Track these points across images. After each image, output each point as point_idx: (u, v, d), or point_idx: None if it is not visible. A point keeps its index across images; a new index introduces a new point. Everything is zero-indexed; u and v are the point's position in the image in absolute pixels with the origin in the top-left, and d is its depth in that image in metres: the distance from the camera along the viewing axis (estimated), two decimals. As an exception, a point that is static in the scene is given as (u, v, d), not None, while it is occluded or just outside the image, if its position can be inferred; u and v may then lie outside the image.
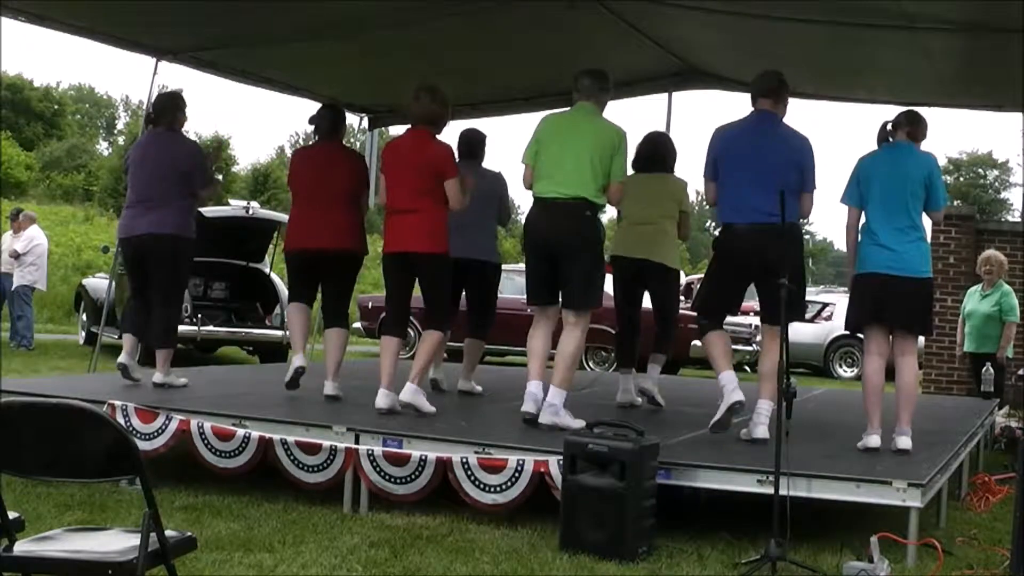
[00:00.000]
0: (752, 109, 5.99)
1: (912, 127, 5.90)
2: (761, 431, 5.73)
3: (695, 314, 6.26)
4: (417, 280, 6.40)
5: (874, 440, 5.67)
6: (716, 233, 6.35)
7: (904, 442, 5.65)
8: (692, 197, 7.84)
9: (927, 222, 5.97)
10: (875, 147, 5.97)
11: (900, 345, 5.85)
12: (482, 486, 5.16)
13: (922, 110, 6.14)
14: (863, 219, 5.87)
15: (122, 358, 6.95)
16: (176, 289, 7.11)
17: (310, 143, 7.20)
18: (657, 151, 7.16)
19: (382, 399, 6.17)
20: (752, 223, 5.71)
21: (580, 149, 5.95)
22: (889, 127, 5.95)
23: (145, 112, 7.51)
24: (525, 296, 6.25)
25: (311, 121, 7.06)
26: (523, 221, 6.39)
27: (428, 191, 6.21)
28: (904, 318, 5.80)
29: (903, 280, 5.69)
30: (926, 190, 5.76)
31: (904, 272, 5.69)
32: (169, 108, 7.06)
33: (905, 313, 5.77)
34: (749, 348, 15.32)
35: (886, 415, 5.82)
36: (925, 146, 5.98)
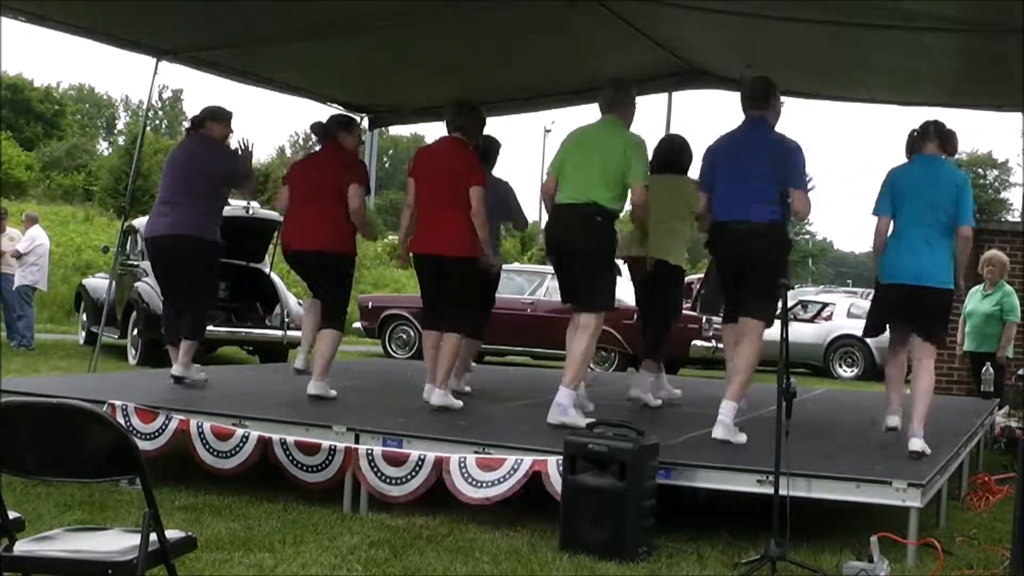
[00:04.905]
0: (744, 117, 6.18)
1: (943, 140, 6.02)
2: (719, 431, 5.73)
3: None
4: (447, 282, 6.56)
5: (894, 420, 5.84)
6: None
7: (917, 444, 5.66)
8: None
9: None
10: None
11: (918, 351, 6.01)
12: (474, 482, 5.15)
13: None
14: (891, 228, 6.00)
15: (176, 369, 7.06)
16: (200, 287, 7.22)
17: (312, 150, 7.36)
18: (672, 153, 7.27)
19: (437, 398, 6.43)
20: (739, 220, 5.90)
21: (594, 157, 6.16)
22: (916, 135, 6.06)
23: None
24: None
25: (313, 129, 7.22)
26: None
27: (459, 196, 6.45)
28: (924, 326, 5.95)
29: (926, 290, 5.83)
30: (955, 205, 5.87)
31: (928, 283, 5.83)
32: (201, 116, 7.28)
33: (925, 321, 5.93)
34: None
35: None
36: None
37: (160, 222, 7.06)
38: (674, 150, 7.30)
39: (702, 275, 11.98)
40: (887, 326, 6.19)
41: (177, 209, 6.97)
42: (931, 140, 5.99)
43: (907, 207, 5.90)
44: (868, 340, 17.71)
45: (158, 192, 7.25)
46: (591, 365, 14.54)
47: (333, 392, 6.79)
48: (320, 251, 6.77)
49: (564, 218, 6.21)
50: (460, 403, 6.56)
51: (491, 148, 7.40)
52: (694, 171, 7.37)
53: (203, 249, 7.04)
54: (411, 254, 6.82)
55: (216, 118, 7.22)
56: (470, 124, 6.72)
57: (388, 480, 5.30)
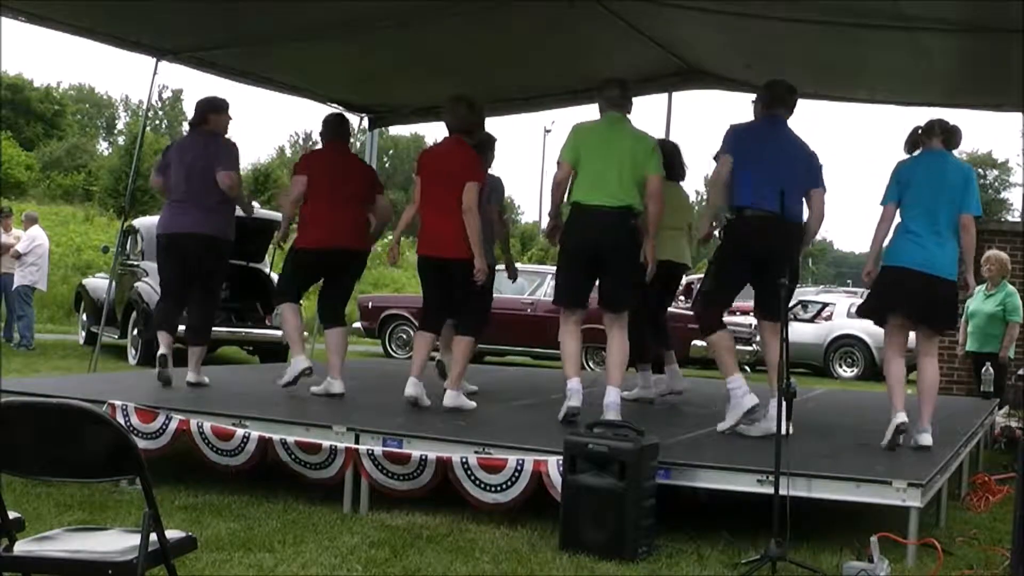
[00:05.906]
0: (764, 113, 6.27)
1: (947, 135, 6.07)
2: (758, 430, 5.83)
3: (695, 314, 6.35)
4: (451, 284, 6.59)
5: (900, 416, 5.80)
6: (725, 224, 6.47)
7: (926, 439, 5.76)
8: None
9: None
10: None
11: (923, 345, 6.04)
12: (483, 485, 5.17)
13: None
14: (898, 219, 6.03)
15: (163, 348, 7.05)
16: (213, 288, 7.37)
17: (317, 147, 7.45)
18: (667, 160, 7.22)
19: (411, 387, 6.47)
20: (763, 210, 5.92)
21: (621, 160, 6.13)
22: (920, 132, 6.10)
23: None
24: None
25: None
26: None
27: (461, 199, 6.46)
28: (931, 315, 5.97)
29: (933, 279, 5.86)
30: (963, 195, 5.93)
31: (936, 272, 5.86)
32: (201, 111, 7.29)
33: (932, 310, 5.95)
34: (749, 348, 15.32)
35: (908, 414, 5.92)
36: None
37: (183, 220, 7.06)
38: (669, 158, 7.24)
39: (702, 275, 12.01)
40: (884, 318, 6.06)
41: (196, 209, 7.02)
42: (936, 136, 6.04)
43: (914, 200, 5.92)
44: (868, 340, 17.91)
45: (169, 189, 7.20)
46: (591, 365, 14.67)
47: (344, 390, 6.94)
48: (349, 249, 6.94)
49: (599, 222, 6.10)
50: (473, 404, 6.58)
51: (486, 144, 7.41)
52: (687, 184, 7.65)
53: (220, 248, 7.16)
54: (417, 255, 6.83)
55: (216, 109, 7.26)
56: (471, 121, 6.76)
57: (394, 475, 5.31)
